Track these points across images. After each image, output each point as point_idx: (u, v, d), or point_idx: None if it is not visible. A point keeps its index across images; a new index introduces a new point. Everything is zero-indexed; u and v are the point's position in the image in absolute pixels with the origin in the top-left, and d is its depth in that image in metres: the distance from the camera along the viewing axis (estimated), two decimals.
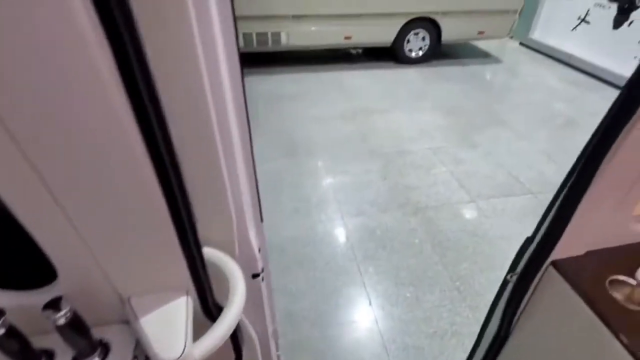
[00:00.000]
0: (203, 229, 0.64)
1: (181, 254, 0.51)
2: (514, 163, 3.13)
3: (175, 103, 0.49)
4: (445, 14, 4.87)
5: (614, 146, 0.69)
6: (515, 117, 3.88)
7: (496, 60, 5.72)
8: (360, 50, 5.80)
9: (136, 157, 0.40)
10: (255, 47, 4.60)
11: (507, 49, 6.25)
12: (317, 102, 4.15)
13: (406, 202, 2.68)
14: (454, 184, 2.88)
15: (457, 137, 3.53)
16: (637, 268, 0.78)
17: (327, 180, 2.91)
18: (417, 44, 5.10)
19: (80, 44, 0.32)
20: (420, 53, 5.19)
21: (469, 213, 2.60)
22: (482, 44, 6.23)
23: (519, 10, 5.14)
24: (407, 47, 5.09)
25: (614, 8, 4.80)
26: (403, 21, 4.80)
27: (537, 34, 6.11)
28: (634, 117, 0.66)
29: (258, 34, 4.48)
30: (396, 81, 4.80)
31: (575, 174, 0.74)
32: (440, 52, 5.39)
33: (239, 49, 0.68)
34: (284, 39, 4.59)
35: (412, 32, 4.97)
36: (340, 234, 2.40)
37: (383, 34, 4.89)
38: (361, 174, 2.98)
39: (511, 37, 6.43)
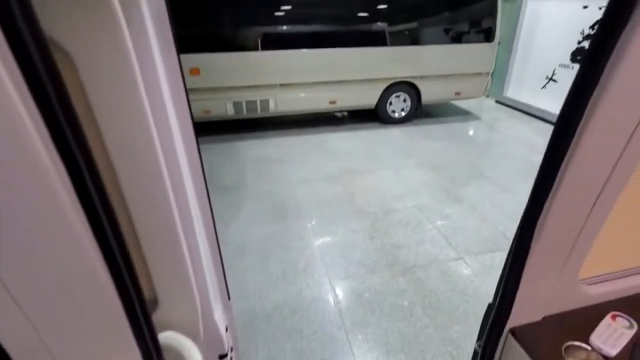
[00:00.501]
0: (165, 312, 0.67)
1: (135, 345, 0.53)
2: (499, 217, 3.20)
3: (131, 186, 0.54)
4: (423, 78, 5.28)
5: (543, 211, 0.76)
6: (497, 171, 4.04)
7: (475, 117, 6.08)
8: (345, 113, 6.16)
9: (86, 254, 0.42)
10: (245, 114, 4.88)
11: (485, 106, 6.67)
12: (304, 165, 4.31)
13: (394, 262, 2.69)
14: (441, 241, 2.91)
15: (442, 193, 3.64)
16: (591, 332, 0.81)
17: (315, 243, 2.93)
18: (399, 105, 5.46)
19: (22, 137, 0.34)
20: (403, 113, 5.53)
21: (457, 271, 2.60)
22: (461, 103, 6.65)
23: (490, 72, 5.60)
24: (389, 108, 5.43)
25: (576, 67, 5.27)
26: (384, 85, 5.19)
27: (511, 92, 6.58)
28: (556, 183, 0.73)
29: (248, 102, 4.79)
30: (381, 141, 5.04)
31: (515, 241, 0.79)
32: (422, 111, 5.74)
33: (196, 135, 0.74)
34: (272, 105, 4.90)
35: (394, 95, 5.34)
36: (327, 300, 2.37)
37: (366, 98, 5.25)
38: (348, 235, 3.01)
39: (487, 96, 6.90)
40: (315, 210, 3.37)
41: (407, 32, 5.07)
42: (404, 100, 5.44)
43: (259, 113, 4.94)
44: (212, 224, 0.86)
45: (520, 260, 0.81)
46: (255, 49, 4.52)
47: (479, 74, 5.50)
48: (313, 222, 3.19)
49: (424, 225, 3.13)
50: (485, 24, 5.21)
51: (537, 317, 0.93)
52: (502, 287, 0.88)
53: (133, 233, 0.61)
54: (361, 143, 4.95)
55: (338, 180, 3.91)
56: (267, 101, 4.85)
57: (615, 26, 0.58)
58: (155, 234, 0.62)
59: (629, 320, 0.91)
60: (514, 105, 6.45)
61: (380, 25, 4.91)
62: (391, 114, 5.49)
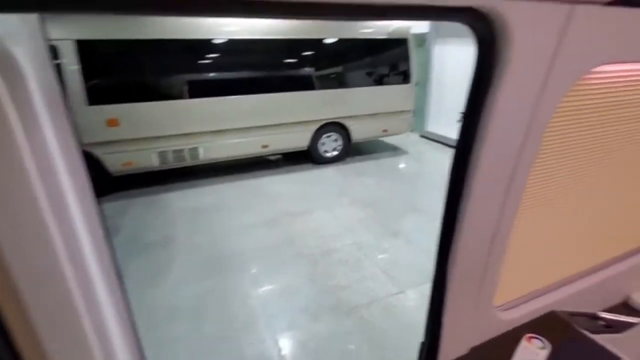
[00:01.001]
0: None
1: None
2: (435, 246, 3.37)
3: (17, 261, 0.47)
4: (351, 118, 5.60)
5: (453, 243, 0.81)
6: (428, 201, 4.32)
7: (403, 151, 6.53)
8: (280, 156, 6.23)
9: None
10: (172, 163, 4.69)
11: (411, 141, 7.22)
12: (241, 211, 4.20)
13: (337, 304, 2.65)
14: (382, 277, 2.96)
15: (379, 228, 3.76)
16: (511, 357, 0.85)
17: (255, 294, 2.79)
18: (331, 145, 5.68)
19: None
20: (335, 153, 5.75)
21: (400, 305, 2.64)
22: (389, 139, 7.13)
23: (412, 110, 6.14)
24: (322, 148, 5.62)
25: None
26: (315, 127, 5.39)
27: (431, 127, 7.25)
28: (459, 215, 0.79)
29: (175, 151, 4.63)
30: (315, 181, 5.14)
31: (434, 276, 0.83)
32: (353, 149, 6.02)
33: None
34: (202, 153, 4.79)
35: (325, 136, 5.56)
36: (271, 357, 2.23)
37: (298, 140, 5.39)
38: (290, 281, 2.93)
39: (412, 131, 7.50)
40: (255, 259, 3.25)
41: (333, 77, 5.42)
42: (335, 140, 5.68)
43: (188, 161, 4.79)
44: (120, 293, 0.77)
45: (440, 295, 0.84)
46: (180, 97, 4.46)
47: (402, 112, 5.99)
48: (253, 271, 3.06)
49: (364, 262, 3.17)
50: (402, 67, 5.78)
51: (464, 349, 0.96)
52: (427, 323, 0.90)
53: (23, 317, 0.53)
54: (297, 185, 5.00)
55: (276, 225, 3.85)
56: (196, 149, 4.74)
57: (485, 84, 0.68)
58: (50, 315, 0.54)
59: (541, 341, 0.98)
60: (435, 138, 7.08)
61: (307, 70, 5.19)
62: (324, 154, 5.68)
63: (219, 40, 4.52)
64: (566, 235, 1.16)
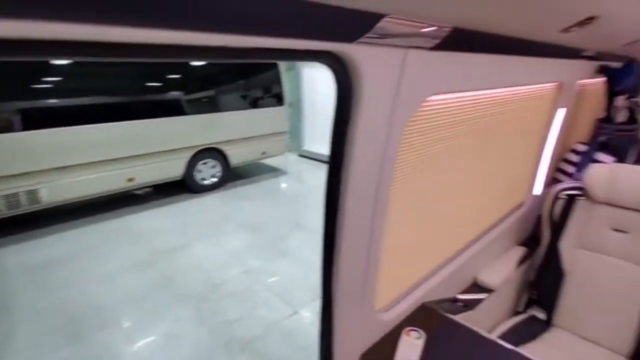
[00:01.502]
0: None
1: None
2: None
3: None
4: (228, 142, 5.48)
5: (335, 253, 0.86)
6: (312, 218, 4.48)
7: (283, 172, 6.69)
8: (150, 188, 5.66)
9: None
10: (3, 211, 3.78)
11: (290, 161, 7.46)
12: (100, 259, 3.61)
13: (230, 341, 2.49)
14: (275, 301, 2.92)
15: (267, 251, 3.72)
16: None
17: (130, 353, 2.41)
18: (208, 172, 5.43)
19: None
20: (214, 179, 5.52)
21: (296, 327, 2.63)
22: (269, 161, 7.22)
23: (288, 131, 6.36)
24: (199, 176, 5.32)
25: None
26: (189, 154, 5.08)
27: (308, 146, 7.65)
28: (338, 226, 0.84)
29: (6, 196, 3.74)
30: (194, 212, 4.82)
31: (322, 291, 0.86)
32: (234, 174, 5.88)
33: None
34: (45, 195, 3.99)
35: (201, 162, 5.29)
36: None
37: (170, 170, 4.99)
38: (173, 327, 2.63)
39: (291, 151, 7.77)
40: (125, 310, 2.82)
41: (205, 100, 5.23)
42: (213, 166, 5.46)
43: (27, 207, 3.92)
44: None
45: (329, 307, 0.87)
46: (9, 129, 3.66)
47: (279, 133, 6.15)
48: (125, 326, 2.64)
49: (255, 289, 3.08)
50: (274, 90, 5.96)
51: (355, 357, 1.01)
52: (320, 338, 0.91)
53: None
54: (172, 218, 4.60)
55: (149, 267, 3.44)
56: (36, 191, 3.92)
57: (346, 113, 0.75)
58: None
59: (417, 331, 1.10)
60: (313, 156, 7.48)
61: (176, 94, 4.89)
62: (201, 182, 5.39)
63: (61, 60, 3.90)
64: (427, 234, 1.34)
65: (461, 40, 0.96)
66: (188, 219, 4.56)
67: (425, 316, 1.19)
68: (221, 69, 5.35)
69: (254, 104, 5.78)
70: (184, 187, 5.35)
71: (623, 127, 2.22)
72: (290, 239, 3.99)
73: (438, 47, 0.88)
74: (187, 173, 5.16)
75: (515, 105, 1.66)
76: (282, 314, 2.77)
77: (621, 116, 2.22)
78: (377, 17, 0.67)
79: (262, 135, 5.91)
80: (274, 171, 6.72)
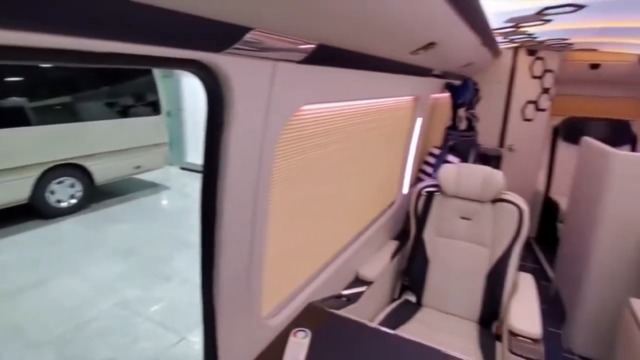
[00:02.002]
0: None
1: None
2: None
3: None
4: (91, 157, 4.81)
5: (215, 265, 0.85)
6: (198, 235, 4.25)
7: (165, 187, 6.19)
8: None
9: None
10: None
11: (171, 174, 6.96)
12: None
13: None
14: (159, 330, 2.67)
15: (147, 277, 3.38)
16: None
17: None
18: (65, 192, 4.66)
19: None
20: (74, 201, 4.77)
21: (182, 354, 2.46)
22: (147, 176, 6.59)
23: (166, 142, 5.91)
24: (52, 198, 4.53)
25: None
26: (37, 173, 4.29)
27: (191, 158, 7.26)
28: (216, 239, 0.83)
29: None
30: (49, 241, 4.09)
31: (202, 306, 0.83)
32: (102, 192, 5.19)
33: None
34: None
35: (56, 182, 4.52)
36: None
37: (10, 193, 4.13)
38: None
39: (172, 164, 7.25)
40: None
41: (58, 108, 4.49)
42: (72, 186, 4.72)
43: None
44: None
45: (212, 322, 0.85)
46: None
47: (156, 145, 5.67)
48: None
49: (134, 321, 2.77)
50: (150, 98, 5.47)
51: None
52: (204, 353, 0.89)
53: None
54: (18, 252, 3.82)
55: None
56: None
57: (219, 122, 0.77)
58: None
59: (304, 331, 1.16)
60: (196, 168, 7.11)
61: (17, 101, 4.08)
62: (57, 205, 4.60)
63: None
64: (309, 237, 1.42)
65: (328, 55, 1.07)
66: (42, 250, 3.84)
67: (312, 315, 1.26)
68: (79, 72, 4.68)
69: (124, 112, 5.21)
70: (33, 213, 4.49)
71: (465, 133, 2.74)
72: (176, 259, 3.71)
73: (306, 61, 0.96)
74: (36, 195, 4.34)
75: (381, 115, 1.90)
76: (168, 342, 2.55)
77: (463, 125, 2.74)
78: (244, 30, 0.71)
79: (135, 148, 5.37)
80: (154, 187, 6.17)
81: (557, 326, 2.54)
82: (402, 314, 1.91)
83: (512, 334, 1.46)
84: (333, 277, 1.57)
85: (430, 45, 1.49)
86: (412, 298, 2.07)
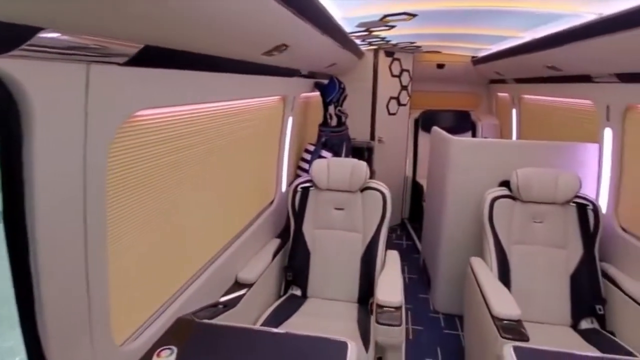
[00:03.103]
0: None
1: None
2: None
3: None
4: None
5: (35, 300, 0.74)
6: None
7: None
8: None
9: None
10: None
11: None
12: None
13: None
14: None
15: None
16: None
17: None
18: None
19: None
20: None
21: None
22: None
23: None
24: None
25: None
26: None
27: None
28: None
29: None
30: None
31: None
32: None
33: None
34: None
35: None
36: None
37: None
38: None
39: None
40: None
41: None
42: None
43: None
44: None
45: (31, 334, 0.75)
46: None
47: None
48: None
49: None
50: None
51: None
52: None
53: None
54: None
55: None
56: None
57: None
58: None
59: (169, 349, 1.09)
60: None
61: None
62: None
63: None
64: (174, 246, 1.34)
65: (162, 57, 1.01)
66: None
67: (182, 331, 1.19)
68: None
69: None
70: None
71: (336, 129, 2.92)
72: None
73: (133, 63, 0.89)
74: None
75: (248, 116, 1.89)
76: None
77: (334, 121, 2.91)
78: (32, 30, 0.62)
79: None
80: None
81: (426, 292, 2.91)
82: (286, 309, 1.95)
83: (379, 306, 1.62)
84: (208, 286, 1.52)
85: (283, 46, 1.53)
86: (298, 292, 2.13)
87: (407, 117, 4.20)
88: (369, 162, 3.49)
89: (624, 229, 2.02)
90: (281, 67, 2.01)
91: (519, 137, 3.72)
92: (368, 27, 2.32)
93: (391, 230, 4.16)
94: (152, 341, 1.13)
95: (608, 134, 2.11)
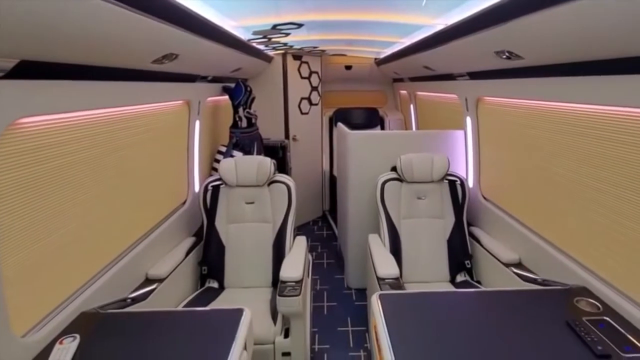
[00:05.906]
0: None
1: None
2: None
3: None
4: None
5: None
6: None
7: None
8: None
9: None
10: None
11: None
12: None
13: None
14: None
15: None
16: None
17: None
18: None
19: None
20: None
21: None
22: None
23: None
24: None
25: None
26: None
27: None
28: None
29: None
30: None
31: None
32: None
33: None
34: None
35: None
36: None
37: None
38: None
39: None
40: None
41: None
42: None
43: None
44: None
45: None
46: None
47: None
48: None
49: None
50: None
51: None
52: None
53: None
54: None
55: None
56: None
57: None
58: None
59: (72, 337, 1.19)
60: None
61: None
62: None
63: None
64: (72, 245, 1.40)
65: (42, 70, 1.11)
66: None
67: (84, 324, 1.29)
68: None
69: None
70: None
71: (246, 130, 3.09)
72: None
73: (10, 77, 0.99)
74: None
75: (150, 120, 1.99)
76: None
77: (244, 122, 3.07)
78: None
79: None
80: None
81: (342, 273, 3.22)
82: (204, 299, 2.08)
83: (282, 282, 1.83)
84: (115, 282, 1.59)
85: (173, 55, 1.67)
86: (215, 284, 2.27)
87: (320, 115, 4.50)
88: (284, 159, 3.72)
89: (485, 198, 2.49)
90: (180, 74, 2.13)
91: (417, 129, 4.21)
92: (265, 35, 2.53)
93: (313, 222, 4.44)
94: (57, 332, 1.21)
95: (469, 122, 2.57)
